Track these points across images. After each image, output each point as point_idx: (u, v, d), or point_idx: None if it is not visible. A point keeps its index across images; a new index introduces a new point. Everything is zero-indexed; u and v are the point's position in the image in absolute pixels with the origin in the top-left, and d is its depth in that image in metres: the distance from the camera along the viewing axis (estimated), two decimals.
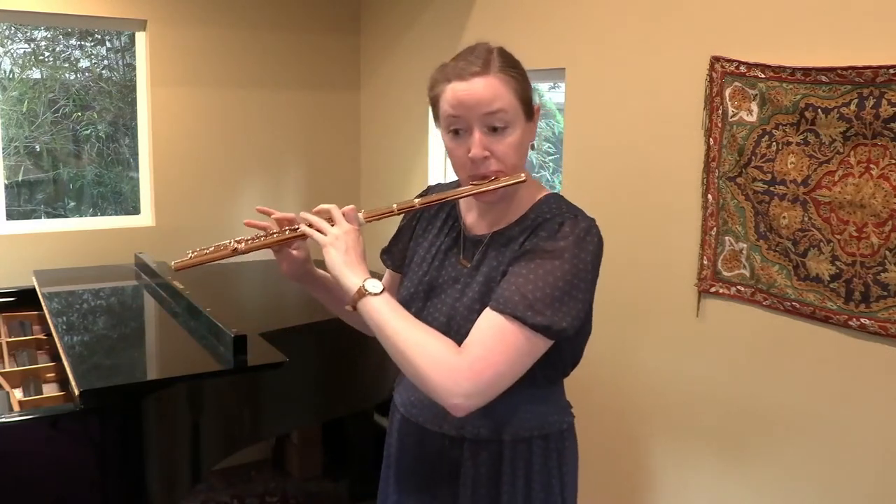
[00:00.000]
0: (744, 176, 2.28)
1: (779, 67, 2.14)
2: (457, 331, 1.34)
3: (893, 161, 1.91)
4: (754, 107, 2.23)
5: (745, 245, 2.31)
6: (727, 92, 2.30)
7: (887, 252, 1.94)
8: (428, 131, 3.64)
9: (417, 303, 1.44)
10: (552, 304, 1.26)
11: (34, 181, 3.93)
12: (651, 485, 2.69)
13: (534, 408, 1.41)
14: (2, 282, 3.20)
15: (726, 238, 2.36)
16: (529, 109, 1.36)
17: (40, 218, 3.83)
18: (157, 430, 2.07)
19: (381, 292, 1.30)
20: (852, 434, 2.08)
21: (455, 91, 1.32)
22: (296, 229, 1.42)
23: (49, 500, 1.93)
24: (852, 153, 1.99)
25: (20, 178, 3.85)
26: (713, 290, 2.41)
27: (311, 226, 1.39)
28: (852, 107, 1.97)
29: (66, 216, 3.89)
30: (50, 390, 2.29)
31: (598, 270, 1.36)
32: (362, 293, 1.29)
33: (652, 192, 2.59)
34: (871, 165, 1.95)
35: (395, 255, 1.60)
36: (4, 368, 2.39)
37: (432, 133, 3.64)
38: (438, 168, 3.68)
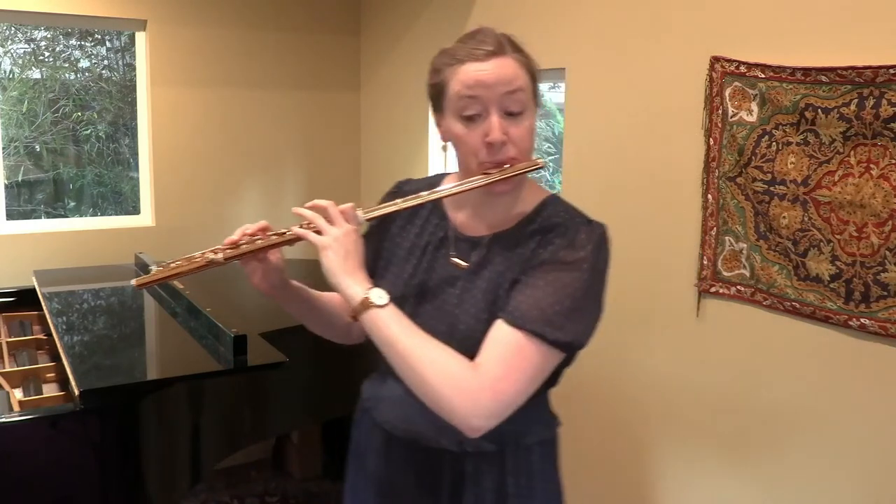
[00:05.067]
0: (744, 176, 2.28)
1: (779, 67, 2.14)
2: (461, 340, 1.25)
3: (893, 161, 1.91)
4: (754, 107, 2.23)
5: (745, 245, 2.31)
6: (727, 92, 2.30)
7: (887, 252, 1.94)
8: (428, 131, 3.64)
9: (407, 307, 1.31)
10: (571, 317, 1.21)
11: (34, 181, 3.93)
12: (650, 484, 2.69)
13: (533, 414, 1.36)
14: (2, 282, 3.20)
15: (726, 238, 2.36)
16: (538, 95, 1.32)
17: (40, 218, 3.83)
18: (157, 430, 2.07)
19: (387, 304, 1.22)
20: (852, 434, 2.08)
21: (470, 72, 1.23)
22: (283, 233, 1.29)
23: (49, 500, 1.93)
24: (852, 153, 1.99)
25: (20, 178, 3.84)
26: (713, 290, 2.41)
27: (303, 226, 1.27)
28: (852, 107, 1.97)
29: (66, 216, 3.89)
30: (50, 390, 2.29)
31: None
32: (367, 304, 1.21)
33: (652, 192, 2.59)
34: (871, 165, 1.95)
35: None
36: (4, 368, 2.39)
37: (432, 133, 3.64)
38: (438, 168, 3.68)
